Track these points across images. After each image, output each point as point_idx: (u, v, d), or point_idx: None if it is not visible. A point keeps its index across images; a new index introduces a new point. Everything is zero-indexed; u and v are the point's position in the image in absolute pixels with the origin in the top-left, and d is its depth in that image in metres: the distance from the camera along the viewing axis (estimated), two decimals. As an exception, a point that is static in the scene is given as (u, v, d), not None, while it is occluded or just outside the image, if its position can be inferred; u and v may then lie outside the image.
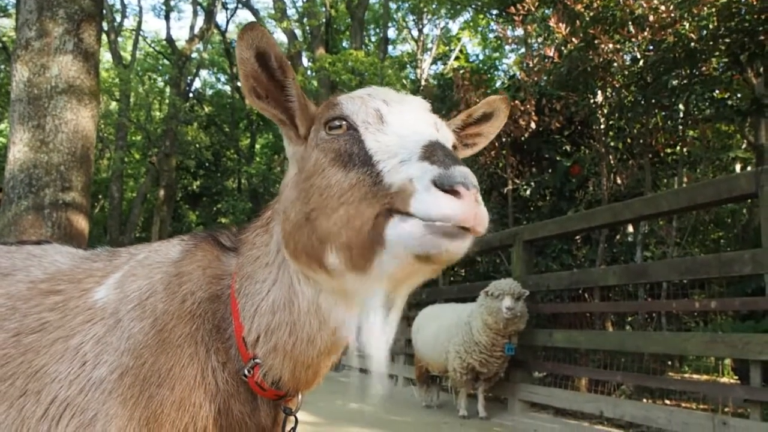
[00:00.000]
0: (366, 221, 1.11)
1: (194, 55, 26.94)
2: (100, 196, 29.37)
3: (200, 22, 26.18)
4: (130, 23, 31.80)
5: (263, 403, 1.38)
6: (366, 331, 1.22)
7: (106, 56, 28.80)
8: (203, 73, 33.54)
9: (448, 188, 1.04)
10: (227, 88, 33.13)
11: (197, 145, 26.46)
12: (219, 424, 1.32)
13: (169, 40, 27.75)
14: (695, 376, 8.94)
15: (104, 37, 25.01)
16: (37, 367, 1.31)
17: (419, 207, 1.04)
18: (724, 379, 8.48)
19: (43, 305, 1.41)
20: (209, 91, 34.00)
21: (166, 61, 29.99)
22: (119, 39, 28.36)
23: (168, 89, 28.15)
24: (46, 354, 1.32)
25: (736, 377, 7.96)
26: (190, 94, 29.11)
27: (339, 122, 1.28)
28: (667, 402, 6.98)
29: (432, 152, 1.11)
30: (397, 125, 1.25)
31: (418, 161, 1.10)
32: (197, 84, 33.21)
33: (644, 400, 5.90)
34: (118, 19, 27.83)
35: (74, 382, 1.28)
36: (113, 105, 28.41)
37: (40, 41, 5.46)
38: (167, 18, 27.81)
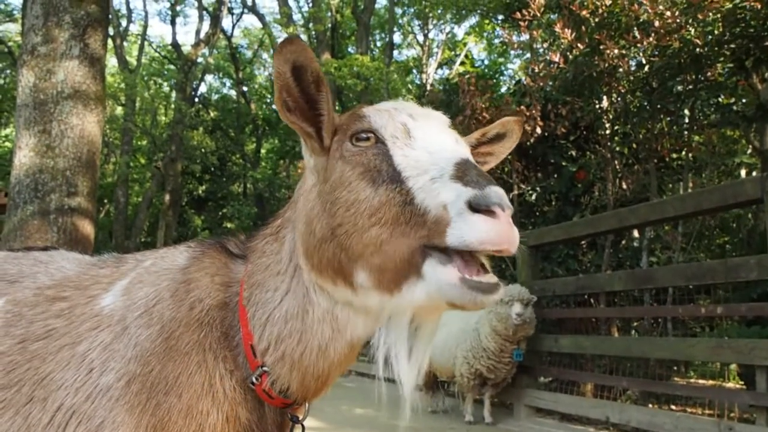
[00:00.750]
0: (402, 251, 1.11)
1: (200, 60, 27.04)
2: (105, 201, 29.47)
3: (206, 27, 26.28)
4: (135, 28, 31.98)
5: (270, 410, 1.37)
6: (394, 354, 1.22)
7: (111, 61, 28.94)
8: (209, 77, 33.64)
9: (484, 209, 1.04)
10: (233, 93, 33.25)
11: (203, 150, 26.51)
12: (226, 431, 1.31)
13: (175, 45, 27.86)
14: (701, 382, 8.89)
15: (110, 42, 25.15)
16: (43, 374, 1.31)
17: (456, 235, 1.05)
18: (730, 385, 8.44)
19: (50, 312, 1.40)
20: (215, 96, 34.11)
21: (171, 66, 30.11)
22: (125, 44, 28.50)
23: (173, 94, 28.26)
24: (53, 361, 1.32)
25: (742, 382, 7.92)
26: (196, 99, 29.20)
27: (366, 135, 1.27)
28: (673, 407, 6.95)
29: (465, 172, 1.11)
30: (425, 141, 1.24)
31: (450, 181, 1.10)
32: (203, 89, 33.33)
33: (650, 406, 5.88)
34: (124, 24, 28.00)
35: (81, 389, 1.28)
36: (119, 110, 28.53)
37: (46, 46, 5.49)
38: (173, 23, 28.00)
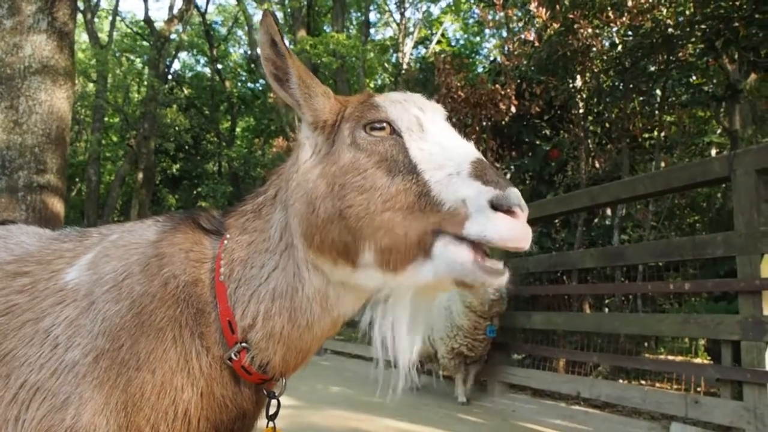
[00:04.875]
0: (414, 232, 1.17)
1: (173, 36, 26.51)
2: (77, 180, 28.96)
3: (179, 2, 25.72)
4: (106, 4, 31.20)
5: (245, 386, 1.38)
6: (392, 330, 1.27)
7: (82, 37, 28.27)
8: (183, 55, 33.10)
9: (506, 209, 1.11)
10: (207, 71, 32.71)
11: (176, 128, 26.13)
12: (200, 407, 1.31)
13: (148, 20, 27.25)
14: (670, 357, 9.11)
15: (80, 17, 24.51)
16: (5, 350, 1.29)
17: (476, 229, 1.12)
18: (698, 360, 8.66)
19: (11, 288, 1.38)
20: (189, 74, 33.53)
21: (144, 42, 29.49)
22: (96, 19, 27.79)
23: (146, 71, 27.71)
24: (15, 337, 1.30)
25: (710, 358, 8.13)
26: (169, 76, 28.68)
27: (381, 125, 1.32)
28: (642, 382, 7.12)
29: (483, 171, 1.17)
30: (437, 135, 1.30)
31: (469, 178, 1.16)
32: (176, 66, 32.79)
33: (620, 381, 6.02)
34: (95, -2, 27.25)
35: (45, 365, 1.26)
36: (90, 86, 27.92)
37: (12, 20, 5.33)
38: (145, -2, 27.32)
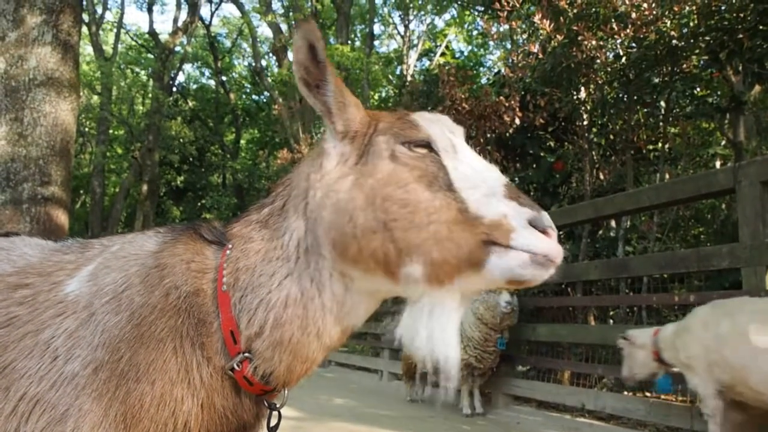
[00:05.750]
0: (463, 245, 1.22)
1: (178, 48, 26.70)
2: (81, 192, 29.09)
3: (184, 15, 25.96)
4: (111, 16, 31.48)
5: (246, 398, 1.36)
6: (438, 332, 1.30)
7: (87, 49, 28.50)
8: (187, 67, 33.29)
9: (541, 229, 1.22)
10: (211, 83, 32.92)
11: (181, 140, 26.25)
12: (200, 419, 1.30)
13: (152, 33, 27.48)
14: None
15: (85, 29, 24.74)
16: (5, 362, 1.28)
17: (522, 242, 1.21)
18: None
19: (12, 299, 1.37)
20: (193, 86, 33.78)
21: (149, 55, 29.71)
22: (100, 32, 28.04)
23: (151, 83, 27.89)
24: (15, 349, 1.29)
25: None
26: (174, 88, 28.86)
27: (421, 142, 1.37)
28: (647, 394, 7.06)
29: (517, 194, 1.27)
30: (468, 157, 1.37)
31: (506, 199, 1.25)
32: (181, 78, 33.00)
33: (625, 393, 5.97)
34: (99, 11, 27.51)
35: (45, 377, 1.25)
36: (95, 99, 28.11)
37: (16, 32, 5.38)
38: (150, 10, 27.55)
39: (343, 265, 1.35)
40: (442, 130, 1.40)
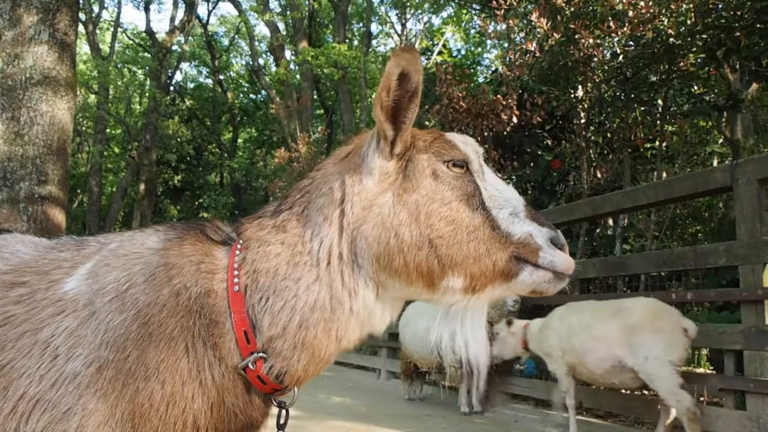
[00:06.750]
0: (498, 261, 1.39)
1: (175, 47, 26.64)
2: (78, 191, 29.03)
3: (181, 13, 25.93)
4: (108, 15, 31.39)
5: (256, 396, 1.38)
6: (469, 339, 1.47)
7: (84, 48, 28.42)
8: (184, 66, 33.23)
9: (559, 246, 1.42)
10: (209, 82, 32.86)
11: (178, 139, 26.22)
12: (210, 417, 1.31)
13: (149, 32, 27.43)
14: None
15: (82, 28, 24.67)
16: (3, 362, 1.26)
17: (547, 260, 1.39)
18: (701, 370, 8.61)
19: (8, 298, 1.35)
20: (191, 85, 33.71)
21: (146, 54, 29.64)
22: (97, 31, 27.96)
23: (148, 82, 27.83)
24: (13, 348, 1.27)
25: (712, 367, 8.09)
26: (171, 87, 28.81)
27: (461, 163, 1.48)
28: (645, 392, 7.07)
29: (536, 215, 1.45)
30: (492, 178, 1.51)
31: (527, 219, 1.43)
32: (178, 77, 32.92)
33: (622, 391, 5.97)
34: (96, 9, 27.43)
35: (45, 376, 1.24)
36: (92, 98, 28.04)
37: (13, 31, 5.36)
38: (147, 9, 27.48)
39: (384, 276, 1.43)
40: (475, 151, 1.52)
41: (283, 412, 1.46)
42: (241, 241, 1.47)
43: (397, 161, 1.48)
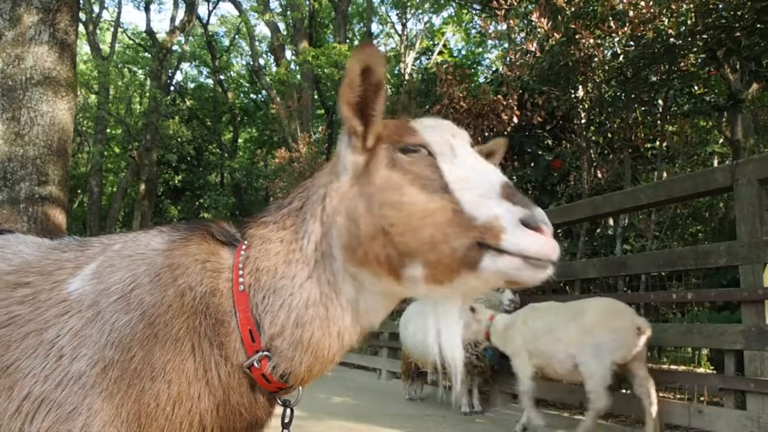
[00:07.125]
0: (457, 248, 1.24)
1: (175, 47, 26.64)
2: (79, 191, 29.03)
3: (181, 13, 25.92)
4: (108, 15, 31.40)
5: (261, 394, 1.39)
6: (444, 335, 1.37)
7: (84, 48, 28.43)
8: (185, 66, 33.22)
9: (533, 226, 1.22)
10: (209, 82, 32.86)
11: (179, 139, 26.19)
12: (215, 416, 1.32)
13: (150, 32, 27.41)
14: (673, 367, 9.06)
15: (82, 28, 24.68)
16: (7, 362, 1.27)
17: (511, 243, 1.21)
18: (701, 370, 8.61)
19: (12, 298, 1.36)
20: (191, 85, 33.70)
21: (146, 54, 29.64)
22: (98, 31, 27.96)
23: (148, 82, 27.83)
24: (18, 348, 1.28)
25: (712, 368, 8.08)
26: (172, 88, 28.80)
27: (417, 148, 1.40)
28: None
29: (512, 193, 1.27)
30: (467, 159, 1.39)
31: (499, 199, 1.26)
32: (179, 77, 32.94)
33: (623, 390, 5.97)
34: (96, 9, 27.44)
35: (50, 376, 1.24)
36: (92, 98, 28.04)
37: (13, 31, 5.36)
38: (147, 9, 27.47)
39: (352, 268, 1.39)
40: (441, 134, 1.43)
41: (288, 410, 1.46)
42: (246, 240, 1.48)
43: (369, 155, 1.45)
